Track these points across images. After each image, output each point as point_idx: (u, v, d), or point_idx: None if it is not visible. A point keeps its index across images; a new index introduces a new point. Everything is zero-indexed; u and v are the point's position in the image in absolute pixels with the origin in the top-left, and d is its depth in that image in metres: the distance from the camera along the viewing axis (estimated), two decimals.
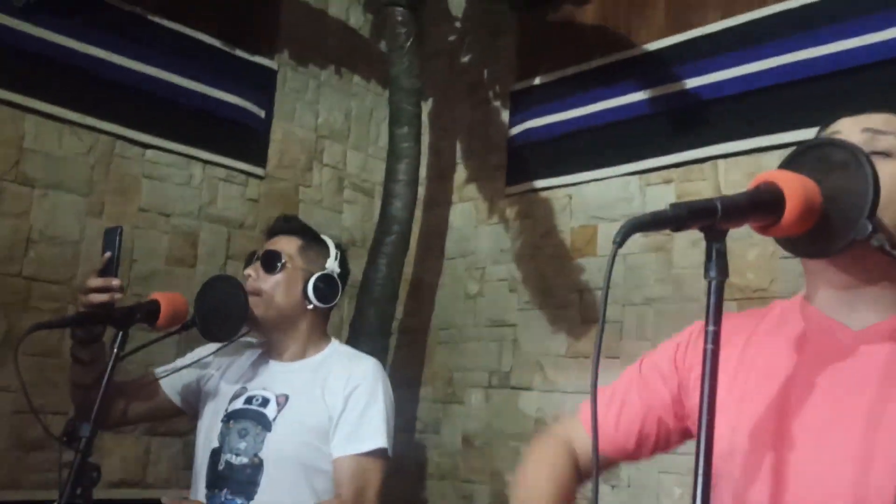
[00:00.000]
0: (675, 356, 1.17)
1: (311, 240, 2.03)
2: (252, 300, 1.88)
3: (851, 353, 1.01)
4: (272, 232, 2.05)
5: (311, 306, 1.95)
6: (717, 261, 0.83)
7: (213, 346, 1.99)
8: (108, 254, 1.69)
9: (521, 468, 1.22)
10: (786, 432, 1.01)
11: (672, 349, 1.18)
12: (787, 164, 0.95)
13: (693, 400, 1.12)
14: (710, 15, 2.80)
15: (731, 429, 1.05)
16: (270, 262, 1.94)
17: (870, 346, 0.99)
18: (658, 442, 1.19)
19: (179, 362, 1.99)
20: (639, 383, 1.20)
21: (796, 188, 0.87)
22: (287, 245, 1.98)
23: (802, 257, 0.97)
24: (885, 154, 1.00)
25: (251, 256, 2.01)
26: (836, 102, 2.30)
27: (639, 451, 1.20)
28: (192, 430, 2.01)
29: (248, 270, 1.95)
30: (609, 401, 1.21)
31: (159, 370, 1.98)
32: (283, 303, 1.93)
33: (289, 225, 2.05)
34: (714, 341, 0.81)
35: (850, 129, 1.04)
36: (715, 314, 0.81)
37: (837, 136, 1.02)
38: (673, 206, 0.81)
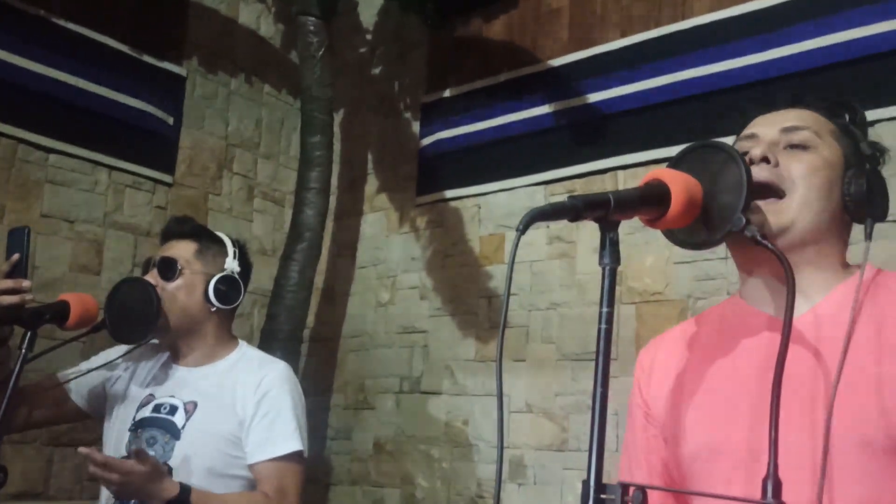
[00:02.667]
0: (642, 402, 1.20)
1: (208, 241, 1.97)
2: None
3: (758, 337, 1.08)
4: (166, 236, 2.00)
5: (214, 309, 1.92)
6: (610, 249, 0.91)
7: (120, 349, 1.96)
8: (16, 255, 1.66)
9: None
10: (680, 423, 1.10)
11: (636, 398, 1.21)
12: (674, 164, 1.04)
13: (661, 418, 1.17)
14: (610, 34, 2.95)
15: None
16: (167, 269, 1.89)
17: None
18: None
19: (85, 365, 1.94)
20: (643, 448, 1.21)
21: (680, 185, 0.96)
22: (182, 250, 1.93)
23: (687, 248, 1.06)
24: (802, 146, 1.08)
25: (147, 263, 1.96)
26: (725, 117, 2.46)
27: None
28: (97, 440, 1.97)
29: (147, 278, 1.89)
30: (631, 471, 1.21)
31: (64, 373, 1.93)
32: (185, 309, 1.89)
33: (182, 228, 2.00)
34: (608, 321, 0.89)
35: (767, 129, 1.11)
36: (609, 297, 0.89)
37: (755, 138, 1.10)
38: (570, 197, 0.89)
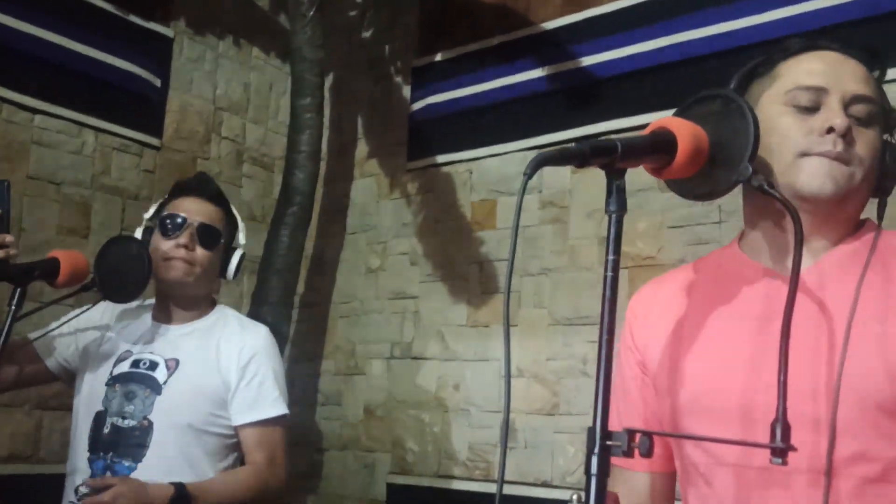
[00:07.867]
0: (635, 349, 1.20)
1: (229, 212, 2.01)
2: (185, 269, 1.86)
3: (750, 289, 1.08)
4: (193, 190, 1.94)
5: (223, 279, 1.98)
6: (616, 196, 0.90)
7: (96, 307, 1.94)
8: None
9: None
10: (678, 370, 1.10)
11: (628, 345, 1.21)
12: (681, 113, 1.02)
13: (653, 366, 1.17)
14: None
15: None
16: (211, 238, 1.90)
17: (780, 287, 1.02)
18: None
19: (55, 324, 1.92)
20: (635, 399, 1.21)
21: (687, 133, 0.95)
22: (217, 217, 1.94)
23: (692, 199, 1.05)
24: (866, 122, 1.05)
25: (180, 223, 1.87)
26: (721, 80, 2.44)
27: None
28: None
29: (183, 239, 1.85)
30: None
31: (33, 333, 1.90)
32: (211, 279, 1.94)
33: (211, 190, 1.98)
34: (614, 269, 0.87)
35: (836, 85, 1.05)
36: (615, 244, 0.88)
37: (823, 92, 1.04)
38: (578, 143, 0.87)
